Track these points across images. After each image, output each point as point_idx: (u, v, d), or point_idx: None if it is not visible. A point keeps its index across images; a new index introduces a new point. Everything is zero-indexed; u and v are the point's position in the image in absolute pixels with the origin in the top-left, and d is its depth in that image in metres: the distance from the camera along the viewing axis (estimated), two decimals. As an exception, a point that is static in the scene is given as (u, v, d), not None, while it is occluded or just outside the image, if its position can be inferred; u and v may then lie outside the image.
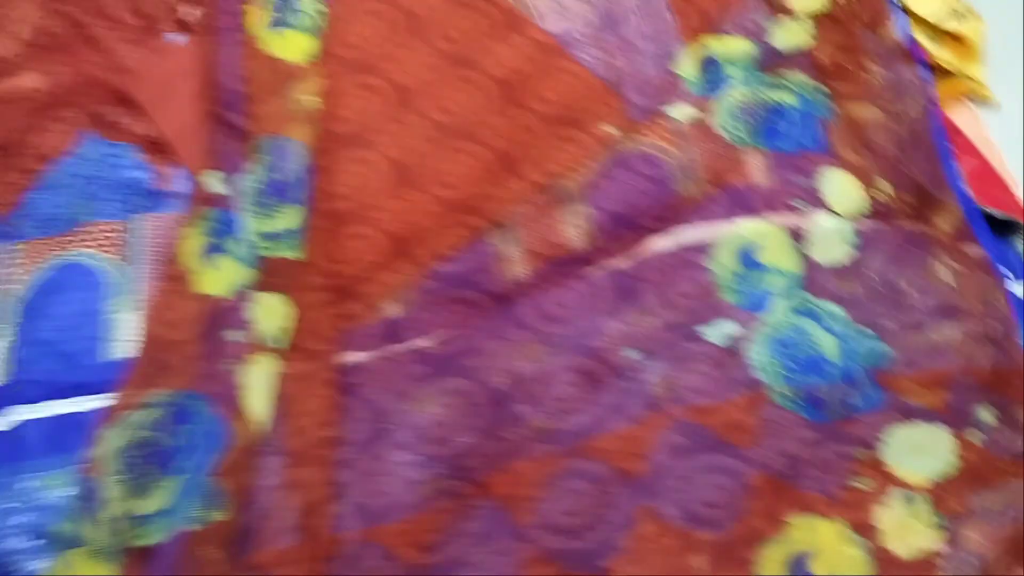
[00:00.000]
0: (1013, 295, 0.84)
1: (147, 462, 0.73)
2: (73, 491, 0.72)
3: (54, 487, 0.74)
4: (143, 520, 0.71)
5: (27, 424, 0.77)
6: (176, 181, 0.91)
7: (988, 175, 0.94)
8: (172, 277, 0.81)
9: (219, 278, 0.83)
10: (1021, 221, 0.89)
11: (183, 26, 0.99)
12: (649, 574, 0.67)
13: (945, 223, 0.89)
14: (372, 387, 0.81)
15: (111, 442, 0.72)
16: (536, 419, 0.76)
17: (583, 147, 0.92)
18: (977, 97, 0.99)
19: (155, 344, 0.77)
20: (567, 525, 0.70)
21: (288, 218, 0.88)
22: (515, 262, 0.88)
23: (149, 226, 0.88)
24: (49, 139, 0.94)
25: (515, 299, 0.83)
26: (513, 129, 0.94)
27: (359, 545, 0.73)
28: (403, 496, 0.75)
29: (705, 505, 0.70)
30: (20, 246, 0.86)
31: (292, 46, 0.95)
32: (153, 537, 0.71)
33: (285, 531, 0.72)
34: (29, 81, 0.99)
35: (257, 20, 0.95)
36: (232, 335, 0.80)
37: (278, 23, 0.96)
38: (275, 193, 0.89)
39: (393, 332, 0.85)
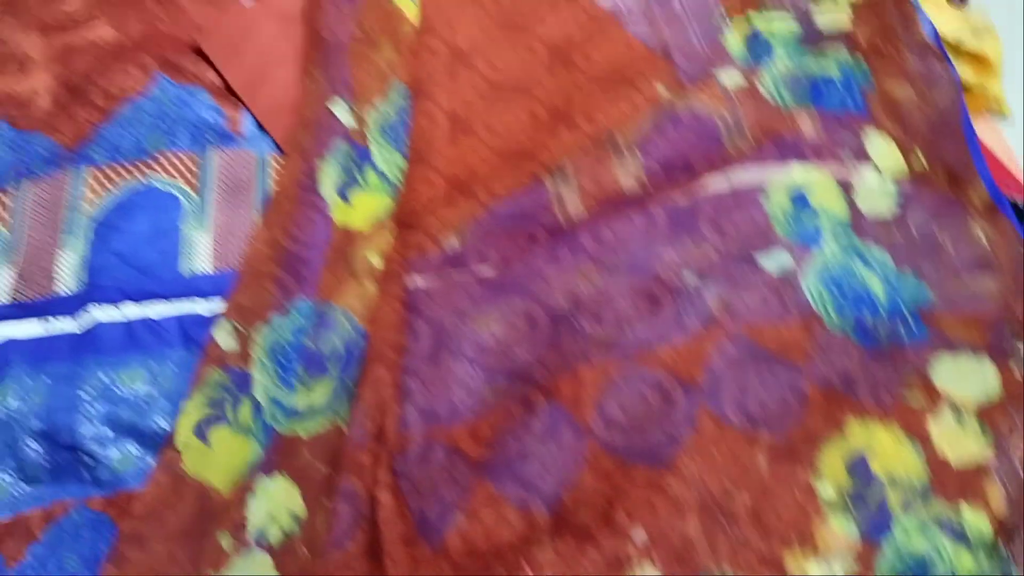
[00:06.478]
0: None
1: (296, 362, 0.77)
2: (146, 387, 0.75)
3: (128, 382, 0.76)
4: (293, 413, 0.75)
5: (102, 326, 0.79)
6: (244, 124, 0.96)
7: (1008, 177, 0.98)
8: (309, 204, 0.86)
9: (357, 213, 0.88)
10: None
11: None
12: (713, 467, 0.69)
13: (976, 198, 0.93)
14: (434, 308, 0.84)
15: (260, 340, 0.76)
16: (596, 332, 0.78)
17: (633, 104, 0.96)
18: (994, 111, 1.03)
19: (287, 256, 0.82)
20: (629, 423, 0.72)
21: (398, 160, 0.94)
22: (571, 202, 0.91)
23: (221, 160, 0.91)
24: (120, 80, 0.98)
25: (572, 230, 0.86)
26: (563, 86, 0.98)
27: (423, 444, 0.75)
28: (465, 401, 0.77)
29: (763, 409, 0.72)
30: (90, 170, 0.90)
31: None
32: (304, 431, 0.74)
33: (361, 426, 0.74)
34: (99, 31, 1.04)
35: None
36: (370, 256, 0.85)
37: None
38: (396, 134, 0.95)
39: (453, 261, 0.88)
